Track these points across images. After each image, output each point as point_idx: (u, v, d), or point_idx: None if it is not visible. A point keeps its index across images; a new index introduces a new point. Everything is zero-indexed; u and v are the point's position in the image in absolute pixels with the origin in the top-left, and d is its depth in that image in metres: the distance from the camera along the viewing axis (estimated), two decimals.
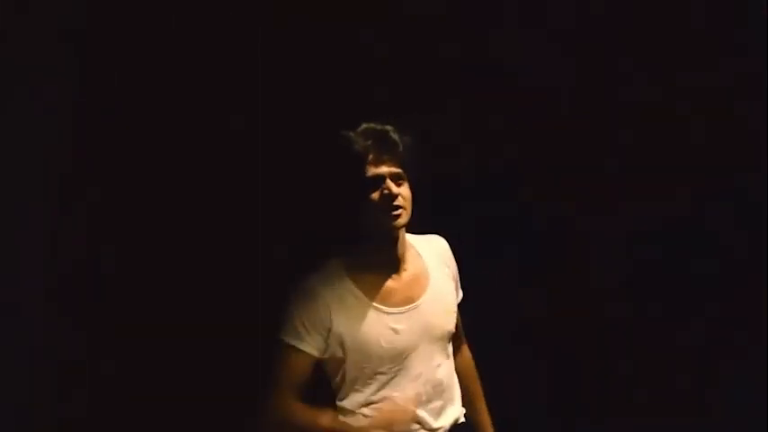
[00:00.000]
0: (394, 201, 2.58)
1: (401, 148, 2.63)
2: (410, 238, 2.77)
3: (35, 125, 3.73)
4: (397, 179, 2.61)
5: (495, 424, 3.06)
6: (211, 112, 3.94)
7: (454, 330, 2.81)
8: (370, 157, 2.58)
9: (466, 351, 2.99)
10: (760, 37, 4.00)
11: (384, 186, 2.58)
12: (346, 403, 2.67)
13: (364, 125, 2.65)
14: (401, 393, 2.64)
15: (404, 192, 2.61)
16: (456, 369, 2.83)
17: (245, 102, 3.97)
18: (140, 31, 3.89)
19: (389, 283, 2.67)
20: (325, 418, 2.64)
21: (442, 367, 2.73)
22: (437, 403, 2.70)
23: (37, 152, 3.75)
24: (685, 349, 4.09)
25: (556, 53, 4.10)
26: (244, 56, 3.97)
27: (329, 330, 2.61)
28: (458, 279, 2.86)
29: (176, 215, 3.95)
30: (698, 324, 4.09)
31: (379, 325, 2.62)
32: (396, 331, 2.63)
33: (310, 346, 2.63)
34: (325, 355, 2.65)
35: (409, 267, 2.72)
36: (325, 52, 3.98)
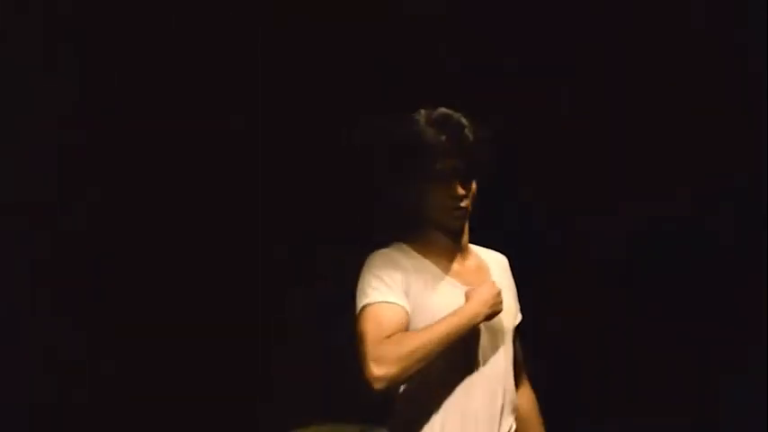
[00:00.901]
0: (459, 202, 2.50)
1: (474, 145, 2.50)
2: (472, 247, 2.67)
3: (35, 125, 3.74)
4: (464, 176, 2.49)
5: None
6: (221, 109, 3.95)
7: (514, 331, 2.65)
8: (442, 152, 2.46)
9: (529, 390, 2.78)
10: (760, 37, 4.00)
11: (450, 185, 2.48)
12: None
13: (440, 111, 2.51)
14: (468, 377, 2.49)
15: (470, 192, 2.51)
16: (519, 409, 2.66)
17: (262, 97, 3.98)
18: (140, 30, 3.89)
19: (456, 266, 2.57)
20: (437, 326, 2.39)
21: (504, 363, 2.58)
22: (502, 398, 2.55)
23: (37, 151, 3.76)
24: (685, 349, 4.09)
25: (556, 53, 4.11)
26: (247, 50, 3.98)
27: (407, 295, 2.44)
28: (517, 299, 2.71)
29: (177, 214, 3.96)
30: (698, 324, 4.09)
31: (453, 297, 2.48)
32: None
33: (402, 300, 2.43)
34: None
35: (471, 258, 2.63)
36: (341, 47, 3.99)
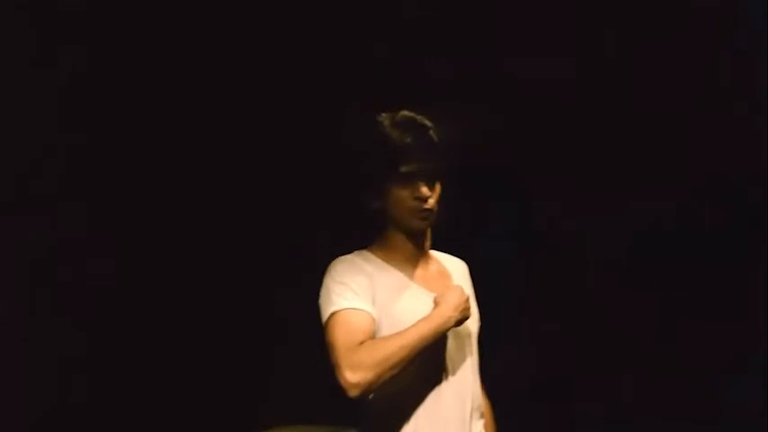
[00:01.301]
0: (424, 204, 2.50)
1: (438, 146, 2.52)
2: (433, 252, 2.68)
3: (35, 123, 3.74)
4: (430, 178, 2.51)
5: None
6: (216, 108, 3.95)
7: (477, 335, 2.65)
8: (407, 154, 2.47)
9: (483, 392, 2.73)
10: (760, 37, 4.00)
11: (416, 186, 2.49)
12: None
13: (403, 114, 2.53)
14: (438, 382, 2.50)
15: (434, 193, 2.52)
16: None
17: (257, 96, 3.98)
18: (140, 29, 3.90)
19: (420, 271, 2.58)
20: (410, 332, 2.39)
21: (471, 368, 2.60)
22: (471, 401, 2.57)
23: (36, 150, 3.76)
24: (685, 349, 4.09)
25: (556, 52, 4.11)
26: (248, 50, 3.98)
27: (374, 301, 2.45)
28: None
29: (176, 214, 3.96)
30: (698, 324, 4.09)
31: (419, 302, 2.49)
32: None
33: (368, 306, 2.43)
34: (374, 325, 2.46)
35: (433, 264, 2.65)
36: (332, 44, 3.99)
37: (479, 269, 4.06)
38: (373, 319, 2.44)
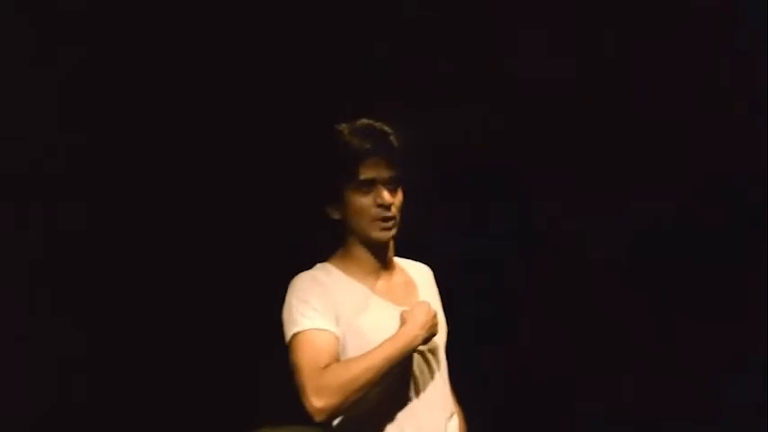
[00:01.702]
0: (387, 211, 2.47)
1: (398, 152, 2.50)
2: (396, 260, 2.64)
3: (35, 123, 3.74)
4: (391, 185, 2.49)
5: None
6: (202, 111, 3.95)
7: (445, 345, 2.63)
8: (368, 160, 2.45)
9: (457, 417, 2.69)
10: (760, 37, 4.00)
11: (378, 194, 2.46)
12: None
13: (362, 121, 2.51)
14: (408, 399, 2.48)
15: (396, 200, 2.50)
16: None
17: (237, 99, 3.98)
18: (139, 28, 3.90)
19: (384, 283, 2.55)
20: (376, 353, 2.35)
21: (441, 379, 2.58)
22: (444, 413, 2.56)
23: (37, 149, 3.76)
24: (685, 349, 4.09)
25: (555, 52, 4.11)
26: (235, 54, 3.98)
27: (338, 319, 2.42)
28: (443, 310, 2.68)
29: (175, 215, 3.96)
30: (698, 324, 4.08)
31: (384, 316, 2.47)
32: (395, 327, 2.45)
33: (331, 326, 2.39)
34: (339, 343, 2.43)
35: (397, 274, 2.62)
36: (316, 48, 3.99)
37: (480, 269, 4.07)
38: (337, 339, 2.41)
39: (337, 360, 2.39)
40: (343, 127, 2.51)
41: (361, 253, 2.54)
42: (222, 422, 3.91)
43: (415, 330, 2.42)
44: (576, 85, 4.14)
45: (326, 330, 2.40)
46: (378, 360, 2.36)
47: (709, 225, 4.11)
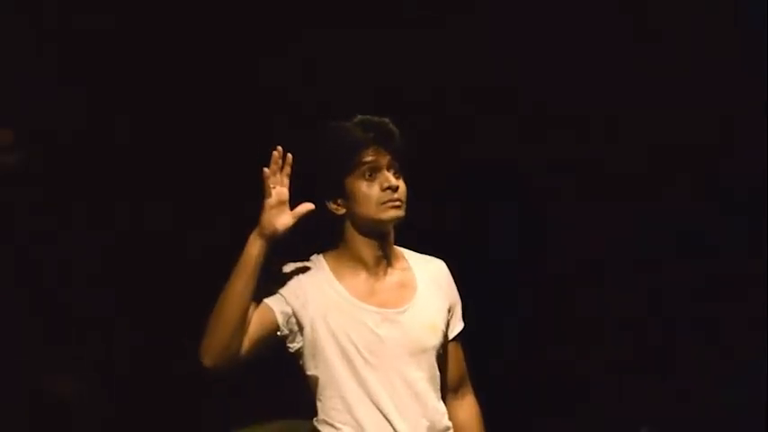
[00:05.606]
0: (394, 193, 2.46)
1: (400, 141, 2.50)
2: (406, 253, 2.61)
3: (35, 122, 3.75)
4: (395, 172, 2.48)
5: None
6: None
7: (438, 348, 2.55)
8: (371, 147, 2.46)
9: (471, 402, 2.67)
10: (760, 37, 4.00)
11: (383, 179, 2.46)
12: (319, 405, 2.49)
13: (361, 117, 2.51)
14: (373, 394, 2.45)
15: (402, 186, 2.48)
16: (458, 422, 2.59)
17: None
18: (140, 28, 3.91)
19: (373, 283, 2.52)
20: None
21: (424, 384, 2.51)
22: (423, 422, 2.50)
23: (37, 147, 3.77)
24: (685, 349, 4.09)
25: (555, 52, 4.11)
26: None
27: (297, 312, 2.45)
28: (456, 306, 2.62)
29: (175, 216, 3.97)
30: (698, 324, 4.09)
31: (352, 319, 2.46)
32: (371, 331, 2.46)
33: (279, 303, 2.45)
34: (286, 331, 2.45)
35: (396, 274, 2.57)
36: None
37: (480, 269, 4.07)
38: (270, 310, 2.45)
39: (256, 331, 2.45)
40: (342, 122, 2.53)
41: (359, 249, 2.52)
42: (215, 418, 3.92)
43: (250, 239, 2.46)
44: (576, 84, 4.14)
45: (266, 304, 2.46)
46: (226, 286, 2.44)
47: (709, 225, 4.11)
